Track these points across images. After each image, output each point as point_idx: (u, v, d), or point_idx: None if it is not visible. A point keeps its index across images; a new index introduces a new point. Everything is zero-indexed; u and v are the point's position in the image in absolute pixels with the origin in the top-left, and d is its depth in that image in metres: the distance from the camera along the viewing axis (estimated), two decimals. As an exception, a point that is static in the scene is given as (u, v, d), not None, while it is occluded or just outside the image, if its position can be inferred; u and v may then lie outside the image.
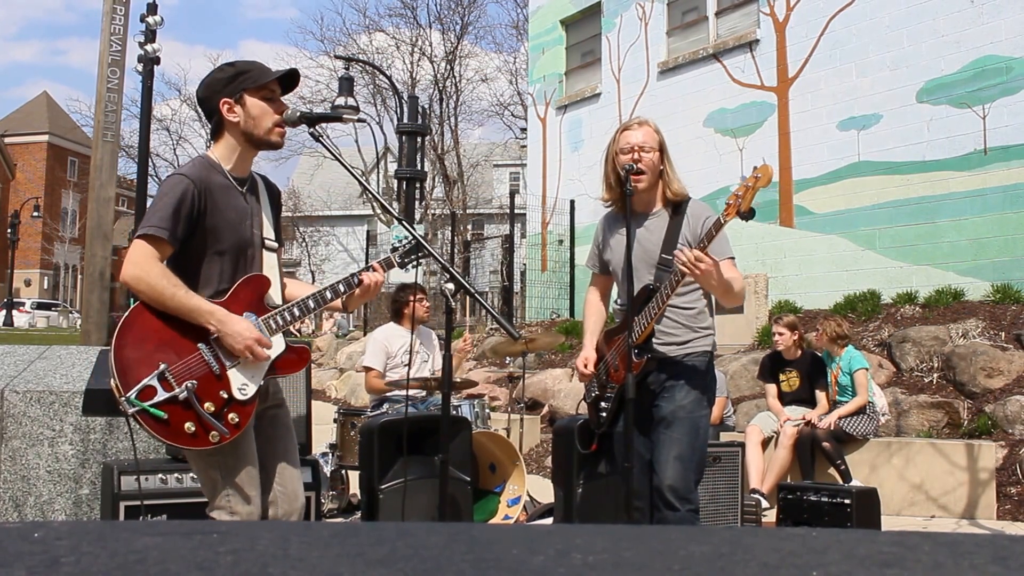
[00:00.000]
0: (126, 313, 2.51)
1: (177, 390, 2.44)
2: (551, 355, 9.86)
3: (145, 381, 2.41)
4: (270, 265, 2.76)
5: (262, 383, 2.64)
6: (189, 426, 2.46)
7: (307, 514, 4.05)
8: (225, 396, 2.53)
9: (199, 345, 2.52)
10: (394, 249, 2.88)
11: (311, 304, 2.73)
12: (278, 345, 2.67)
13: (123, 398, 2.40)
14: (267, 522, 2.64)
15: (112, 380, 2.43)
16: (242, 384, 2.57)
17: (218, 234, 2.60)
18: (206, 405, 2.49)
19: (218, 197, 2.61)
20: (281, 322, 2.66)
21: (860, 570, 0.68)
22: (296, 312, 2.70)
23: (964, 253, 8.18)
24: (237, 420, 2.54)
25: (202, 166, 2.65)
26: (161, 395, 2.42)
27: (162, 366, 2.44)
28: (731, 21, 10.84)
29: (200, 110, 2.75)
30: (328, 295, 2.75)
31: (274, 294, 2.73)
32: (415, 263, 2.87)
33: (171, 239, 2.50)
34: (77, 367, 4.45)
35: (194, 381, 2.47)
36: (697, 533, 0.78)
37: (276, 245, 2.82)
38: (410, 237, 2.85)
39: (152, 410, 2.41)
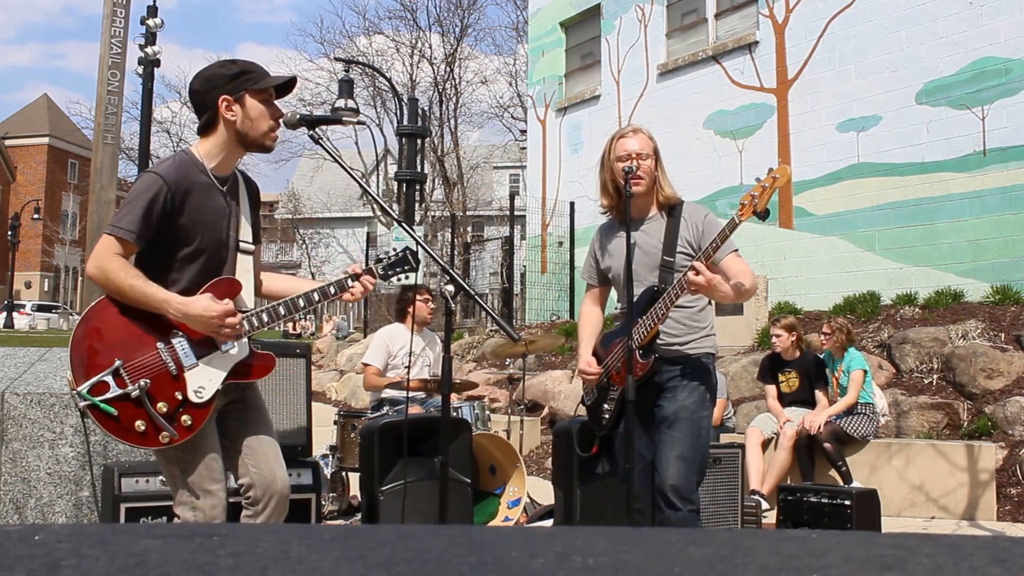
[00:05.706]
0: (88, 308, 2.50)
1: (130, 388, 2.43)
2: (551, 357, 9.86)
3: (99, 376, 2.40)
4: (244, 268, 2.72)
5: (220, 387, 2.58)
6: (139, 424, 2.44)
7: (307, 516, 4.05)
8: (180, 397, 2.50)
9: (158, 345, 2.50)
10: (378, 260, 2.82)
11: (281, 311, 2.67)
12: (242, 350, 2.62)
13: (75, 391, 2.40)
14: (267, 525, 2.63)
15: (69, 373, 2.43)
16: (199, 387, 2.53)
17: (190, 235, 2.57)
18: (159, 405, 2.46)
19: (196, 197, 2.57)
20: (248, 327, 2.62)
21: (860, 572, 0.68)
22: (265, 318, 2.64)
23: (963, 254, 8.19)
24: (190, 423, 2.51)
25: (183, 164, 2.60)
26: (113, 391, 2.41)
27: (117, 362, 2.42)
28: (730, 23, 10.84)
29: (191, 103, 2.68)
30: (301, 303, 2.70)
31: (246, 297, 2.69)
32: (400, 276, 2.80)
33: (137, 241, 2.49)
34: (77, 369, 4.44)
35: (147, 380, 2.45)
36: (697, 535, 0.78)
37: (252, 247, 2.77)
38: (398, 247, 2.82)
39: (103, 406, 2.40)
